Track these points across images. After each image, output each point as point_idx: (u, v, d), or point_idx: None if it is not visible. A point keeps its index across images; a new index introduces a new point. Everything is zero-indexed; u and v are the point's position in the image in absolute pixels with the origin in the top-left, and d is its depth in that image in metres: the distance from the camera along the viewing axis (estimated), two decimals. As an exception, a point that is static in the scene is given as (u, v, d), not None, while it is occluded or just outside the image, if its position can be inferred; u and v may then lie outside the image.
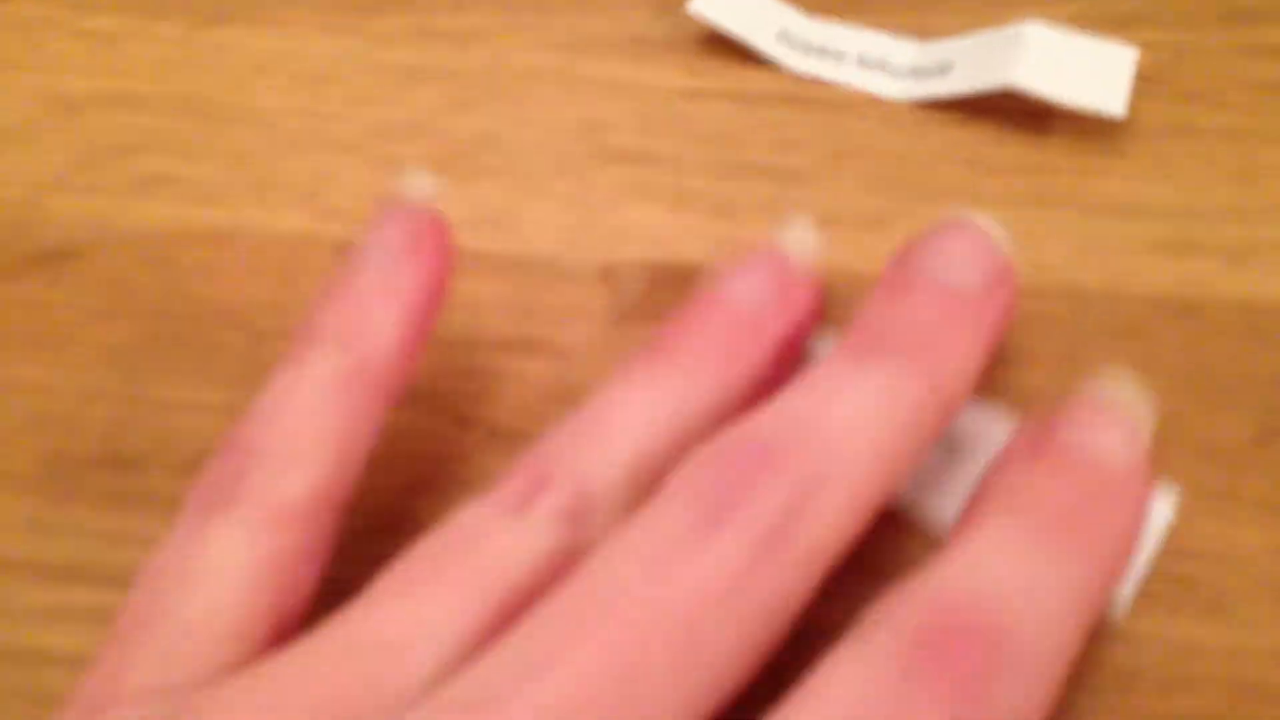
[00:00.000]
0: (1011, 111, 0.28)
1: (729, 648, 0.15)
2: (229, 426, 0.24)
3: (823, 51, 0.29)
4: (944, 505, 0.23)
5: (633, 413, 0.19)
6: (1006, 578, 0.16)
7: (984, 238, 0.21)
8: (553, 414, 0.24)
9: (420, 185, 0.22)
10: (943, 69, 0.29)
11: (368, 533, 0.23)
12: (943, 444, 0.23)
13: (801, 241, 0.23)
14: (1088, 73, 0.28)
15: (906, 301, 0.20)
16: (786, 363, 0.22)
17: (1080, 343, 0.24)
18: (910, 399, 0.18)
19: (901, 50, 0.30)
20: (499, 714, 0.14)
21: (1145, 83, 0.28)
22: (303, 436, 0.19)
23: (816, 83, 0.29)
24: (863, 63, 0.29)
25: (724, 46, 0.30)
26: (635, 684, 0.14)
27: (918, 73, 0.29)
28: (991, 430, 0.23)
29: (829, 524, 0.16)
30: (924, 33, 0.30)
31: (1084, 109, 0.27)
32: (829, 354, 0.19)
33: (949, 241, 0.21)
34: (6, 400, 0.24)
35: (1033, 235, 0.26)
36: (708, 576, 0.15)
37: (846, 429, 0.17)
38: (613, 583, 0.15)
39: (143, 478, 0.23)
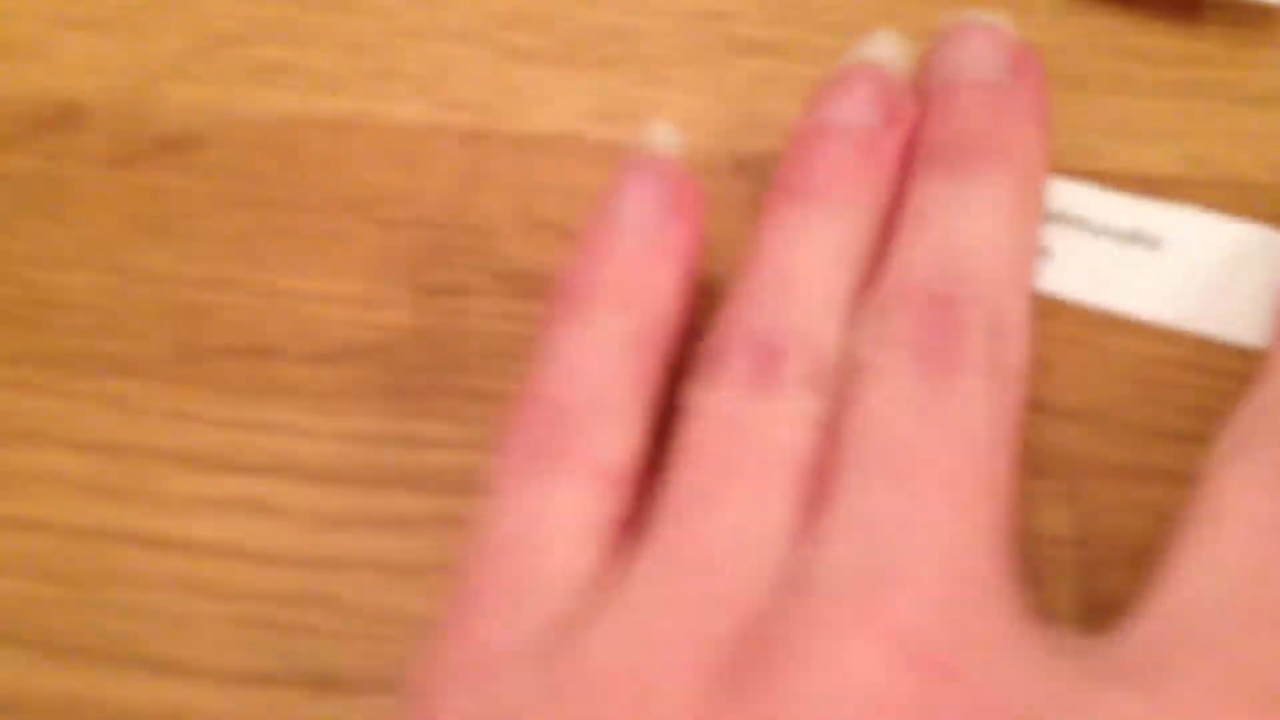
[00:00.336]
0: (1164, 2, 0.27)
1: (1007, 473, 0.17)
2: (369, 323, 0.23)
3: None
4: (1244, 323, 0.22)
5: (812, 262, 0.19)
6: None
7: (994, 31, 0.22)
8: (700, 307, 0.23)
9: (666, 138, 0.21)
10: (1088, -43, 0.27)
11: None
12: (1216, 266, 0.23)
13: (890, 50, 0.22)
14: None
15: (956, 108, 0.21)
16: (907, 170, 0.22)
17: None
18: (1010, 197, 0.20)
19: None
20: (907, 584, 0.15)
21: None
22: (611, 396, 0.18)
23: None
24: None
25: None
26: (978, 523, 0.16)
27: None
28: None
29: (1020, 334, 0.19)
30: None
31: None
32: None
33: (964, 44, 0.22)
34: (135, 289, 0.23)
35: (1188, 127, 0.25)
36: (971, 415, 0.17)
37: (988, 249, 0.19)
38: (907, 437, 0.17)
39: (281, 367, 0.23)
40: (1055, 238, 0.23)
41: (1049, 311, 0.23)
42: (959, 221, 0.19)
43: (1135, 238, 0.23)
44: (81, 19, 0.27)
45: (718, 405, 0.18)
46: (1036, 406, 0.21)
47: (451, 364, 0.23)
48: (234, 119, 0.26)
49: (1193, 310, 0.23)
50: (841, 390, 0.18)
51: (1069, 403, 0.22)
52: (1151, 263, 0.23)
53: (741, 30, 0.27)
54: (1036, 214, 0.21)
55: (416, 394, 0.22)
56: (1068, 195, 0.24)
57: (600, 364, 0.19)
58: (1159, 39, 0.26)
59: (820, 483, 0.17)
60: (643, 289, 0.19)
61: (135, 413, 0.22)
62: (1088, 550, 0.21)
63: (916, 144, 0.21)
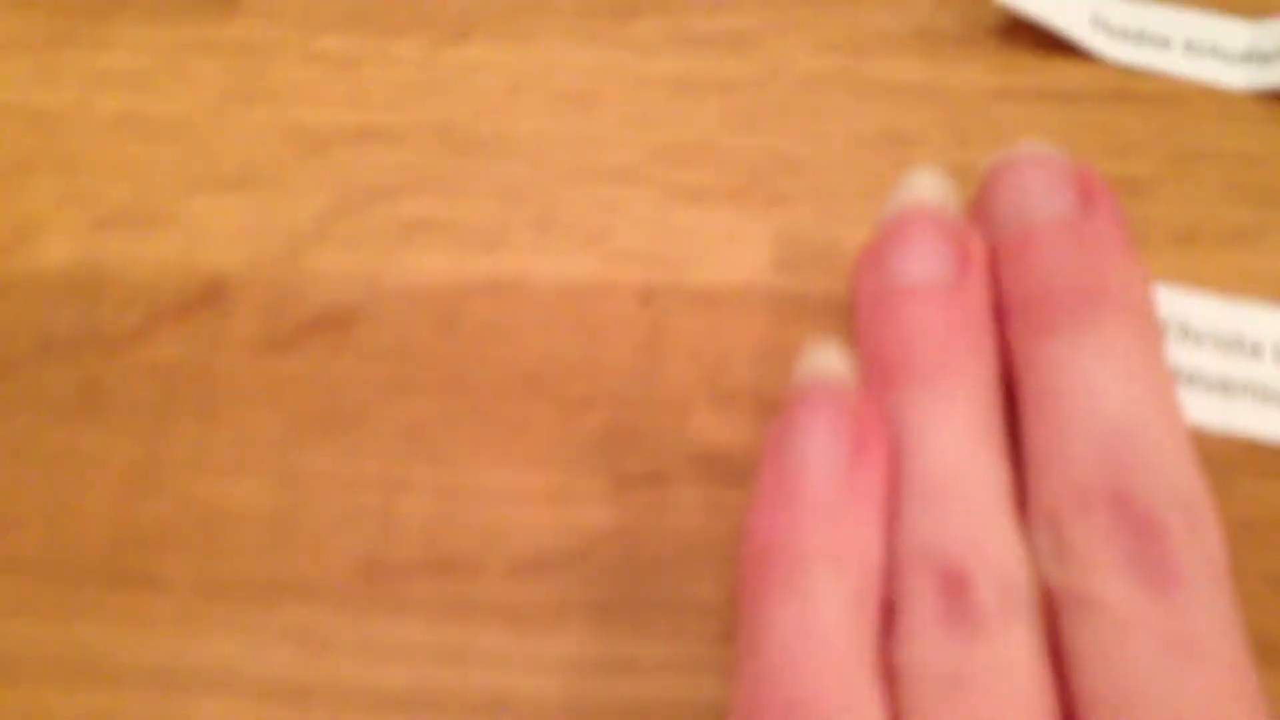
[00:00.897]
0: (1377, 97, 0.24)
1: (1255, 677, 0.16)
2: (560, 525, 0.21)
3: (1142, 36, 0.26)
4: None
5: (959, 457, 0.18)
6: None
7: (1050, 162, 0.20)
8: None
9: (832, 360, 0.19)
10: (1290, 52, 0.25)
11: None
12: None
13: (935, 188, 0.20)
14: None
15: (1039, 256, 0.19)
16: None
17: None
18: (1133, 344, 0.18)
19: (1233, 32, 0.26)
20: None
21: None
22: (846, 684, 0.16)
23: (1141, 74, 0.25)
24: (1191, 48, 0.26)
25: (1027, 36, 0.26)
26: None
27: (1259, 57, 0.25)
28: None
29: (1209, 511, 0.17)
30: (1256, 9, 0.26)
31: None
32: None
33: (1024, 182, 0.20)
34: (306, 496, 0.21)
35: None
36: (1207, 629, 0.16)
37: (1141, 417, 0.18)
38: (1153, 672, 0.16)
39: (475, 583, 0.21)
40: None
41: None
42: (1096, 391, 0.18)
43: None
44: (212, 179, 0.25)
45: (923, 660, 0.16)
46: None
47: (658, 568, 0.21)
48: (388, 287, 0.24)
49: None
50: (1051, 618, 0.17)
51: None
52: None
53: (924, 155, 0.25)
54: (1162, 352, 0.19)
55: (626, 608, 0.20)
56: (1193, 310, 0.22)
57: (826, 644, 0.17)
58: (1380, 145, 0.24)
59: None
60: (850, 543, 0.17)
61: (321, 646, 0.20)
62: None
63: (1002, 297, 0.19)
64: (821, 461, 0.18)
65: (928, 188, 0.20)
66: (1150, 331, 0.19)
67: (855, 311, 0.20)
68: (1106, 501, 0.17)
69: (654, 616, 0.20)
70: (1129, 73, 0.25)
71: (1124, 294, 0.19)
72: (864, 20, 0.26)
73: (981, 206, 0.20)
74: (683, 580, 0.21)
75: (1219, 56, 0.25)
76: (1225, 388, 0.21)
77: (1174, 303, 0.22)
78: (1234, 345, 0.22)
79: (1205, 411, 0.21)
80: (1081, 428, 0.18)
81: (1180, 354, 0.21)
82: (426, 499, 0.21)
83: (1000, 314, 0.20)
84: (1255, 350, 0.21)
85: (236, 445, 0.22)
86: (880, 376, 0.19)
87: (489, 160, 0.25)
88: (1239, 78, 0.25)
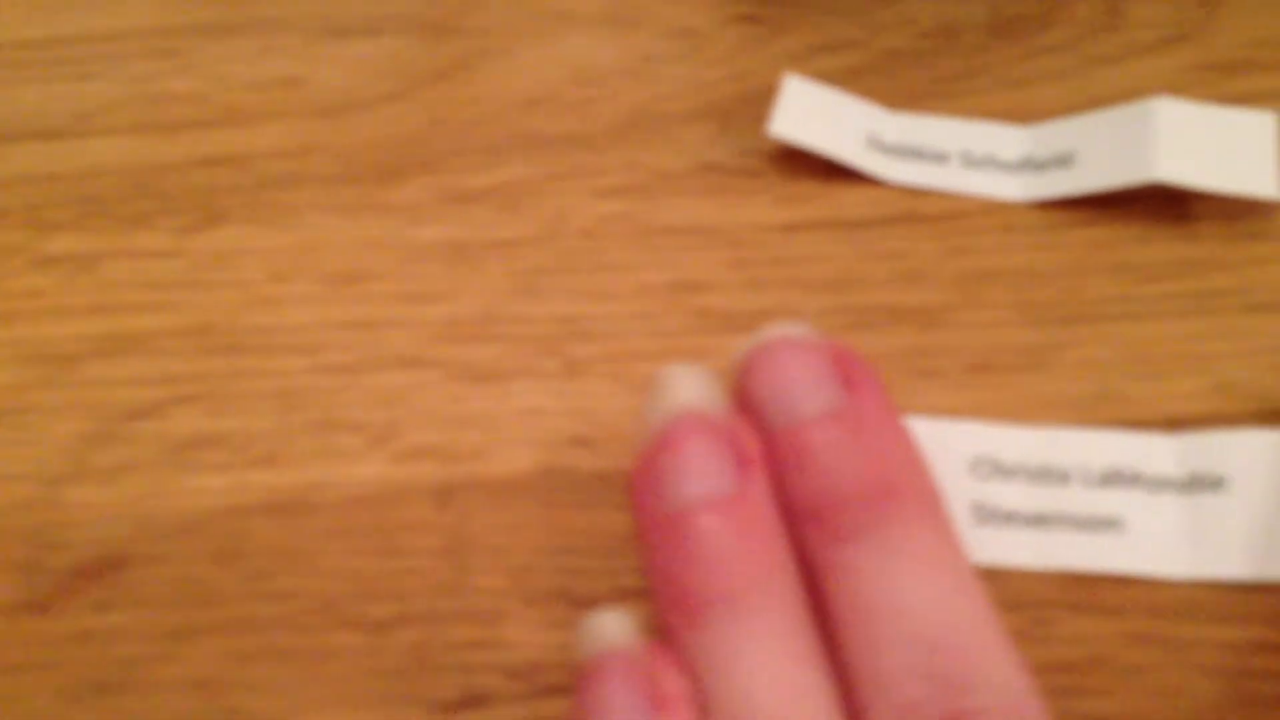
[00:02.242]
0: (1148, 198, 0.26)
1: None
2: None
3: (919, 153, 0.27)
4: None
5: (778, 690, 0.18)
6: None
7: (807, 347, 0.20)
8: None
9: (612, 626, 0.19)
10: (1063, 160, 0.26)
11: None
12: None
13: (698, 388, 0.20)
14: (1228, 149, 0.25)
15: (815, 456, 0.19)
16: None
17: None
18: (928, 536, 0.19)
19: (1009, 139, 0.27)
20: None
21: None
22: None
23: (923, 192, 0.26)
24: (969, 160, 0.27)
25: (809, 163, 0.27)
26: None
27: (1034, 165, 0.26)
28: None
29: (1035, 703, 0.18)
30: (1028, 113, 0.27)
31: (1233, 195, 0.25)
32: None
33: (784, 371, 0.20)
34: (92, 780, 0.20)
35: (1209, 351, 0.24)
36: None
37: (953, 621, 0.18)
38: None
39: None
40: (1117, 504, 0.22)
41: (1102, 606, 0.21)
42: (908, 602, 0.18)
43: (1196, 483, 0.22)
44: (-54, 416, 0.23)
45: None
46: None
47: (488, 802, 0.20)
48: (158, 520, 0.22)
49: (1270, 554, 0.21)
50: None
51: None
52: (1225, 509, 0.22)
53: (717, 302, 0.25)
54: (953, 532, 0.19)
55: None
56: (1113, 448, 0.23)
57: None
58: (1155, 248, 0.25)
59: None
60: None
61: None
62: None
63: (788, 501, 0.19)
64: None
65: (690, 387, 0.20)
66: (940, 514, 0.19)
67: (639, 535, 0.20)
68: None
69: None
70: (912, 193, 0.26)
71: (909, 481, 0.19)
72: (642, 160, 0.26)
73: (743, 396, 0.20)
74: (515, 815, 0.20)
75: (997, 167, 0.26)
76: (1042, 521, 0.22)
77: (981, 437, 0.23)
78: (1044, 475, 0.22)
79: (1024, 551, 0.22)
80: (902, 644, 0.18)
81: (995, 492, 0.22)
82: (226, 763, 0.20)
83: (790, 515, 0.20)
84: (1063, 478, 0.22)
85: (3, 729, 0.21)
86: (677, 610, 0.19)
87: (257, 360, 0.24)
88: (1018, 188, 0.26)
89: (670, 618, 0.19)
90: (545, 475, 0.23)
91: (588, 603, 0.22)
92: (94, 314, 0.24)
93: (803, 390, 0.20)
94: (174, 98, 0.27)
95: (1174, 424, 0.23)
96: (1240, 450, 0.22)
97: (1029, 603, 0.21)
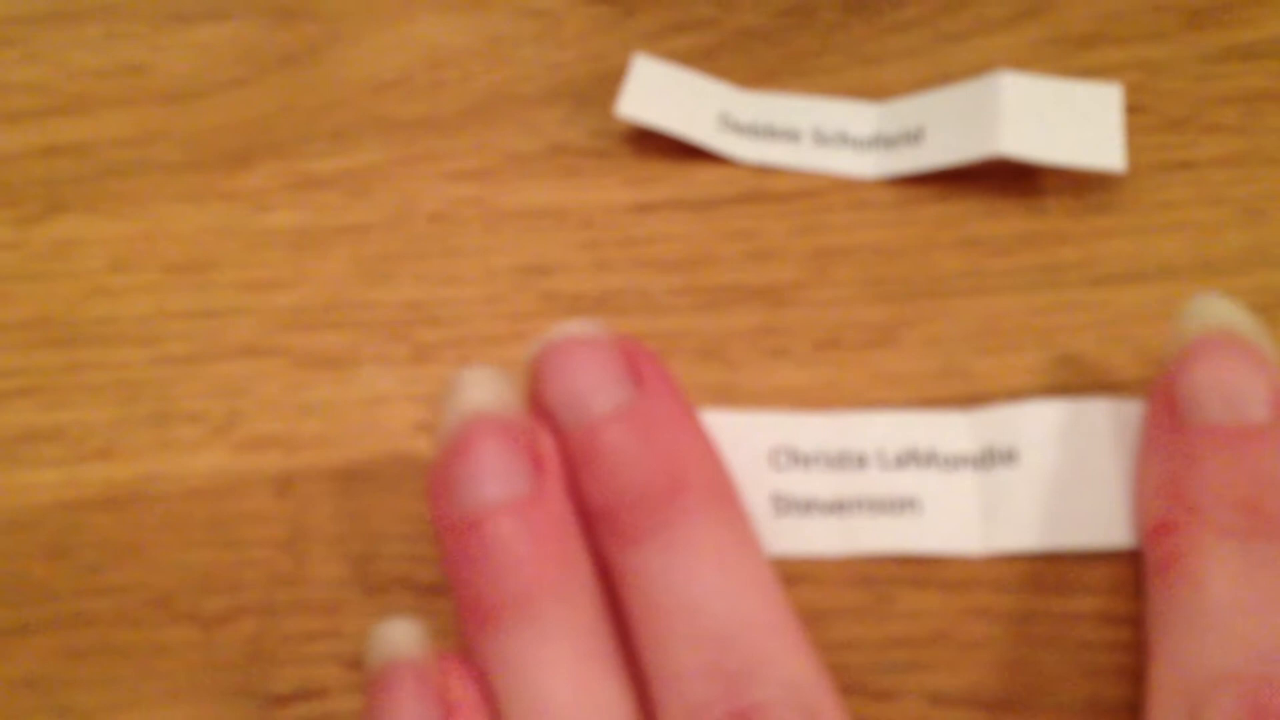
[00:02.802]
0: (998, 173, 0.26)
1: None
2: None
3: (771, 132, 0.27)
4: (1112, 523, 0.22)
5: (572, 703, 0.18)
6: (1262, 628, 0.18)
7: (594, 344, 0.20)
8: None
9: (407, 634, 0.19)
10: (913, 136, 0.26)
11: None
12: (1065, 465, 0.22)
13: (491, 389, 0.20)
14: (1075, 123, 0.26)
15: (606, 456, 0.19)
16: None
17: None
18: (719, 531, 0.19)
19: (860, 116, 0.27)
20: None
21: (1129, 113, 0.26)
22: None
23: (774, 170, 0.26)
24: (820, 138, 0.27)
25: (661, 144, 0.27)
26: None
27: (885, 142, 0.27)
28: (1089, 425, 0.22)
29: (827, 692, 0.18)
30: (878, 90, 0.27)
31: (1080, 167, 0.25)
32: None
33: (572, 371, 0.20)
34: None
35: (1052, 324, 0.24)
36: None
37: (744, 614, 0.18)
38: None
39: None
40: (914, 484, 0.22)
41: (943, 581, 0.22)
42: (696, 600, 0.18)
43: (990, 457, 0.22)
44: None
45: None
46: (962, 701, 0.21)
47: (321, 792, 0.20)
48: (-9, 516, 0.22)
49: (1071, 525, 0.22)
50: None
51: (994, 693, 0.21)
52: (1016, 481, 0.22)
53: (566, 284, 0.25)
54: (748, 527, 0.20)
55: (289, 845, 0.20)
56: (909, 429, 0.23)
57: None
58: (1003, 222, 0.26)
59: None
60: None
61: None
62: None
63: (583, 503, 0.20)
64: None
65: (482, 389, 0.20)
66: (732, 508, 0.20)
67: (437, 544, 0.20)
68: None
69: None
70: (763, 171, 0.26)
71: (699, 476, 0.19)
72: (493, 142, 0.27)
73: (537, 396, 0.20)
74: (347, 803, 0.20)
75: (848, 145, 0.27)
76: (841, 507, 0.22)
77: (778, 427, 0.23)
78: (842, 460, 0.23)
79: (826, 538, 0.22)
80: (688, 643, 0.18)
81: (795, 481, 0.22)
82: (53, 761, 0.20)
83: (586, 517, 0.20)
84: (861, 461, 0.23)
85: None
86: (473, 617, 0.19)
87: (95, 351, 0.24)
88: (869, 165, 0.26)
89: (467, 624, 0.19)
90: (390, 463, 0.23)
91: (430, 591, 0.22)
92: (-74, 308, 0.24)
93: (591, 390, 0.20)
94: (16, 87, 0.27)
95: (1017, 398, 0.23)
96: (1029, 421, 0.22)
97: (871, 579, 0.22)
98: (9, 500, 0.22)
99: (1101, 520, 0.21)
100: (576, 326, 0.20)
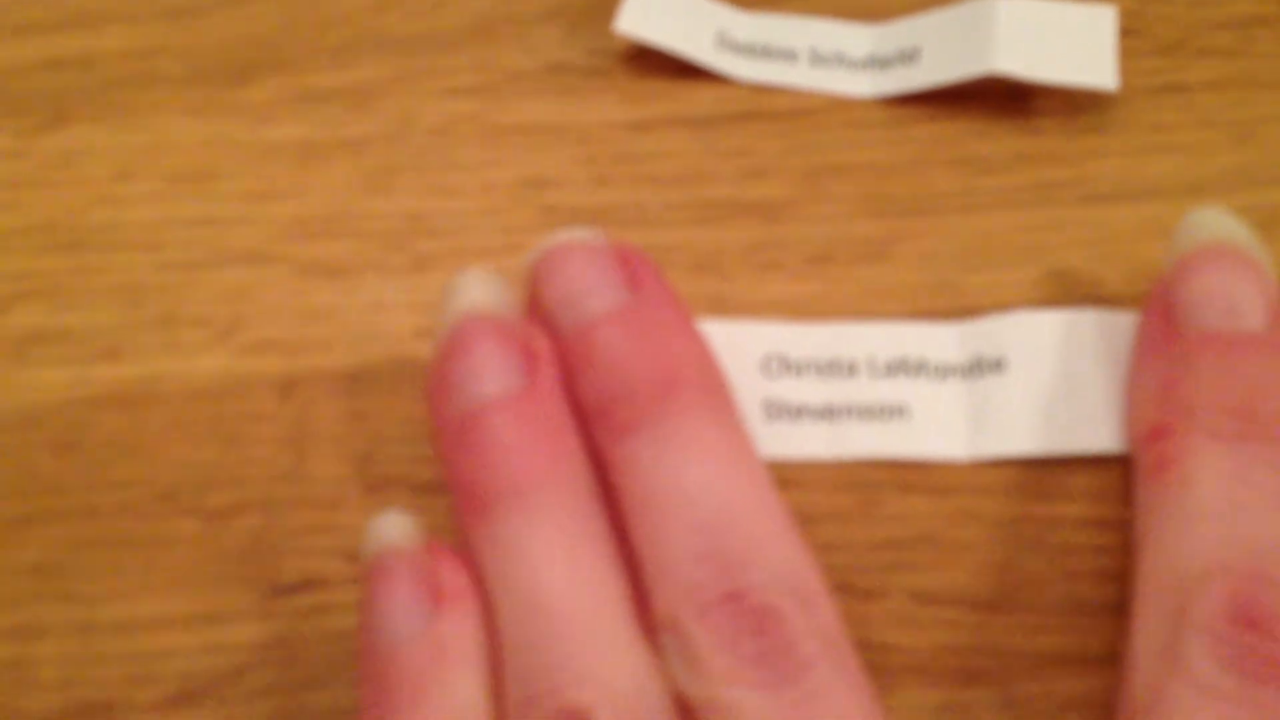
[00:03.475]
0: (993, 94, 0.26)
1: None
2: (210, 646, 0.21)
3: (768, 51, 0.27)
4: (1099, 428, 0.22)
5: (564, 578, 0.19)
6: (1254, 524, 0.18)
7: (593, 250, 0.21)
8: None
9: (400, 526, 0.20)
10: (908, 56, 0.27)
11: None
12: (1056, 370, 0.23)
13: (485, 291, 0.21)
14: (1069, 43, 0.26)
15: (602, 353, 0.20)
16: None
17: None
18: (712, 427, 0.19)
19: (856, 37, 0.28)
20: None
21: (1123, 37, 0.27)
22: None
23: (771, 91, 0.27)
24: (817, 58, 0.27)
25: (658, 62, 0.27)
26: None
27: (880, 62, 0.27)
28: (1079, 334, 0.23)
29: (816, 581, 0.19)
30: (876, 12, 0.28)
31: (1074, 87, 0.26)
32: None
33: (571, 274, 0.21)
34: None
35: (1042, 241, 0.25)
36: (839, 705, 0.18)
37: (736, 506, 0.19)
38: None
39: (123, 726, 0.21)
40: (903, 392, 0.23)
41: (931, 486, 0.22)
42: (688, 488, 0.19)
43: (978, 367, 0.23)
44: None
45: None
46: (945, 600, 0.21)
47: (317, 679, 0.21)
48: (2, 414, 0.23)
49: (1056, 430, 0.22)
50: None
51: (977, 592, 0.22)
52: (1004, 389, 0.23)
53: (563, 198, 0.26)
54: (739, 424, 0.20)
55: (284, 726, 0.21)
56: (899, 339, 0.23)
57: None
58: (997, 142, 0.26)
59: None
60: (439, 691, 0.18)
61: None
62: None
63: (579, 402, 0.20)
64: (400, 626, 0.19)
65: (479, 291, 0.20)
66: (726, 406, 0.20)
67: (434, 442, 0.20)
68: (720, 601, 0.18)
69: (313, 731, 0.21)
70: (760, 91, 0.27)
71: (693, 375, 0.20)
72: (493, 60, 0.27)
73: (534, 301, 0.21)
74: (345, 688, 0.21)
75: (844, 65, 0.27)
76: (830, 413, 0.23)
77: (770, 336, 0.23)
78: (833, 368, 0.23)
79: (816, 443, 0.23)
80: (681, 529, 0.18)
81: (786, 388, 0.23)
82: (61, 641, 0.21)
83: (581, 414, 0.20)
84: (852, 369, 0.23)
85: None
86: (469, 508, 0.19)
87: (101, 256, 0.24)
88: (865, 85, 0.27)
89: (463, 518, 0.19)
90: (389, 367, 0.24)
91: (428, 489, 0.22)
92: (-64, 213, 0.25)
93: (588, 291, 0.20)
94: (22, 1, 0.28)
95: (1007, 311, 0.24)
96: (1017, 331, 0.23)
97: (859, 483, 0.22)
98: (19, 397, 0.23)
99: (1088, 426, 0.22)
100: (574, 233, 0.21)
